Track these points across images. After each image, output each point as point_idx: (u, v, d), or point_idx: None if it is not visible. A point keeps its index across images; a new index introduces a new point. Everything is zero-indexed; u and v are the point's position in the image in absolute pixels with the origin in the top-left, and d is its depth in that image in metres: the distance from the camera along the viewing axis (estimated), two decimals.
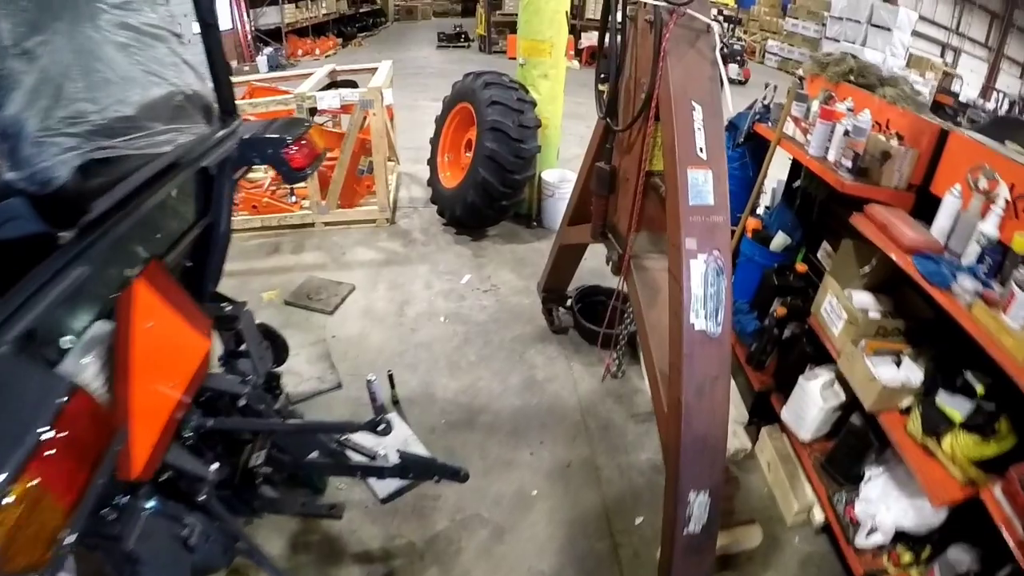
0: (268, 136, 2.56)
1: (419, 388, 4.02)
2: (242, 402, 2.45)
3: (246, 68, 13.48)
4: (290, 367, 4.19)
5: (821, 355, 3.21)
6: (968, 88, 16.64)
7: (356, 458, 2.82)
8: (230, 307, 2.69)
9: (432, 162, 5.93)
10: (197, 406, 2.37)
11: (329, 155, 5.89)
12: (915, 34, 16.93)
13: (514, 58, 5.95)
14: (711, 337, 2.07)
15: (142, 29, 1.67)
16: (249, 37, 14.48)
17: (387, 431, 2.45)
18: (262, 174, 6.27)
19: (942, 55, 18.90)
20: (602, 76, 3.13)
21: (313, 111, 5.44)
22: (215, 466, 2.22)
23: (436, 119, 5.99)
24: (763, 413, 3.63)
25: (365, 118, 5.38)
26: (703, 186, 2.10)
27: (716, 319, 2.05)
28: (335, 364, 4.24)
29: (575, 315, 4.31)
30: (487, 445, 3.59)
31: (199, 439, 2.30)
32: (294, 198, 5.93)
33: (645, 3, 2.50)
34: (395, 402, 3.89)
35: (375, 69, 6.04)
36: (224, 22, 13.26)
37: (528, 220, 5.85)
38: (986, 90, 18.29)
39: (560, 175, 5.64)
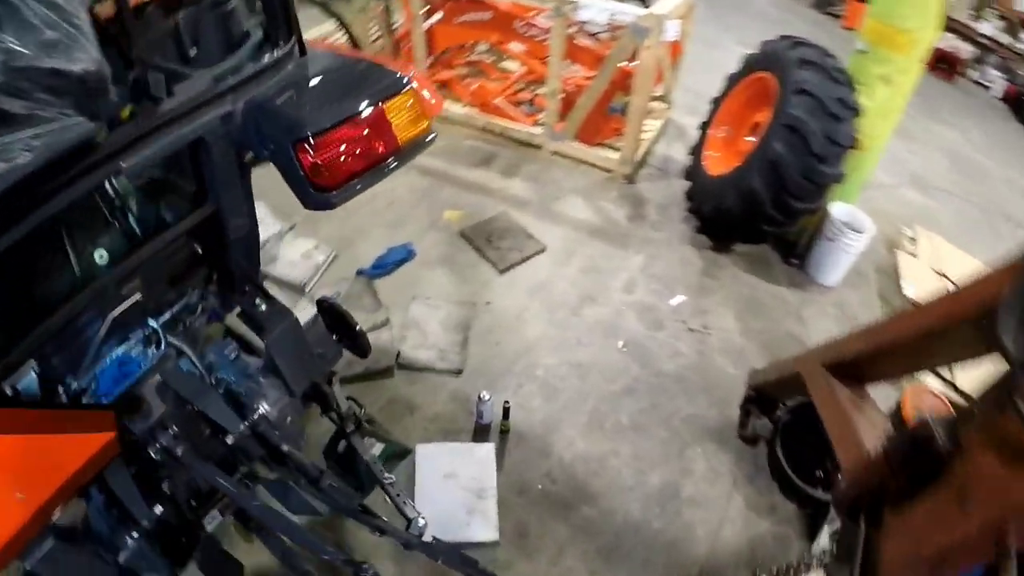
0: (277, 113, 1.61)
1: (540, 426, 3.15)
2: (229, 440, 1.84)
3: None
4: (421, 321, 3.49)
5: None
6: None
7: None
8: (265, 308, 1.93)
9: (703, 130, 4.55)
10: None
11: (585, 74, 4.75)
12: None
13: (850, 29, 4.16)
14: None
15: None
16: None
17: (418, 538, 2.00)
18: (515, 65, 5.32)
19: None
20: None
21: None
22: (159, 509, 1.72)
23: (727, 77, 4.54)
24: None
25: (635, 49, 4.14)
26: None
27: None
28: (468, 341, 3.46)
29: (776, 440, 2.99)
30: (568, 550, 2.70)
31: (165, 460, 1.78)
32: (532, 108, 4.97)
33: None
34: (503, 431, 3.10)
35: None
36: None
37: (789, 251, 4.33)
38: None
39: (854, 217, 4.00)
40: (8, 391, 1.43)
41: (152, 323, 1.85)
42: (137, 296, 1.72)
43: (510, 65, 5.41)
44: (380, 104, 1.68)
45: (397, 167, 1.76)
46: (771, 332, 3.72)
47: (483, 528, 2.70)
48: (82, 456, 1.37)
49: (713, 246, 4.30)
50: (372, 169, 1.70)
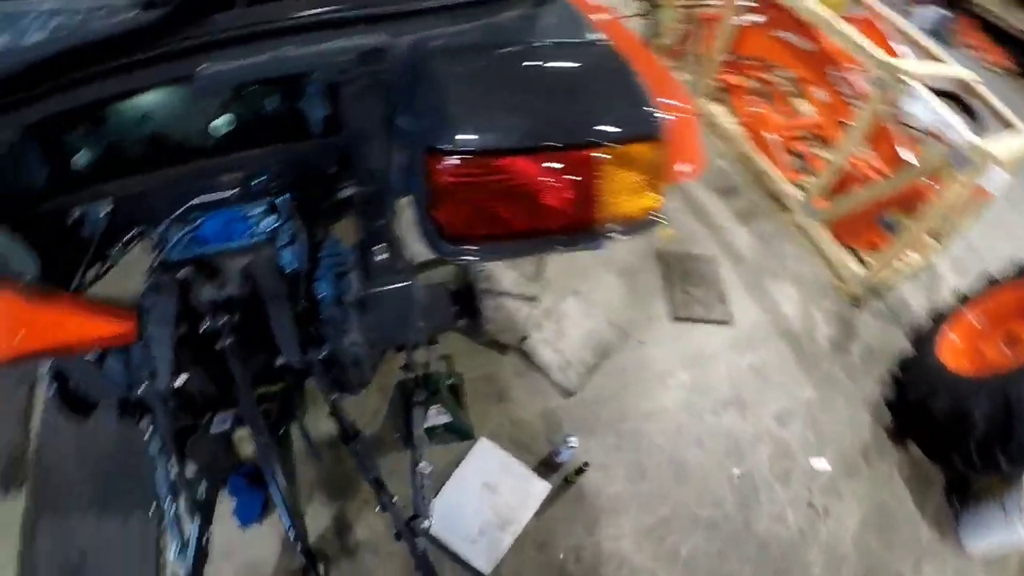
0: (439, 83, 1.09)
1: (605, 499, 2.88)
2: (278, 362, 1.66)
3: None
4: (566, 319, 3.28)
5: None
6: None
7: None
8: (384, 258, 1.65)
9: (959, 303, 3.76)
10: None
11: (875, 164, 3.98)
12: None
13: None
14: None
15: None
16: None
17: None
18: (808, 109, 4.58)
19: None
20: None
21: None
22: (180, 381, 1.56)
23: (1019, 265, 3.59)
24: None
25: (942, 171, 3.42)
26: None
27: None
28: (598, 368, 3.22)
29: None
30: None
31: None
32: (801, 164, 4.37)
33: None
34: (566, 480, 2.87)
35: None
36: None
37: (957, 489, 3.53)
38: None
39: None
40: (76, 215, 1.36)
41: (281, 199, 1.65)
42: (232, 191, 1.57)
43: (802, 107, 4.65)
44: (594, 148, 1.09)
45: (576, 248, 1.21)
46: (881, 560, 3.18)
47: (482, 556, 2.54)
48: (86, 333, 1.30)
49: (891, 428, 3.68)
50: (533, 238, 1.18)
